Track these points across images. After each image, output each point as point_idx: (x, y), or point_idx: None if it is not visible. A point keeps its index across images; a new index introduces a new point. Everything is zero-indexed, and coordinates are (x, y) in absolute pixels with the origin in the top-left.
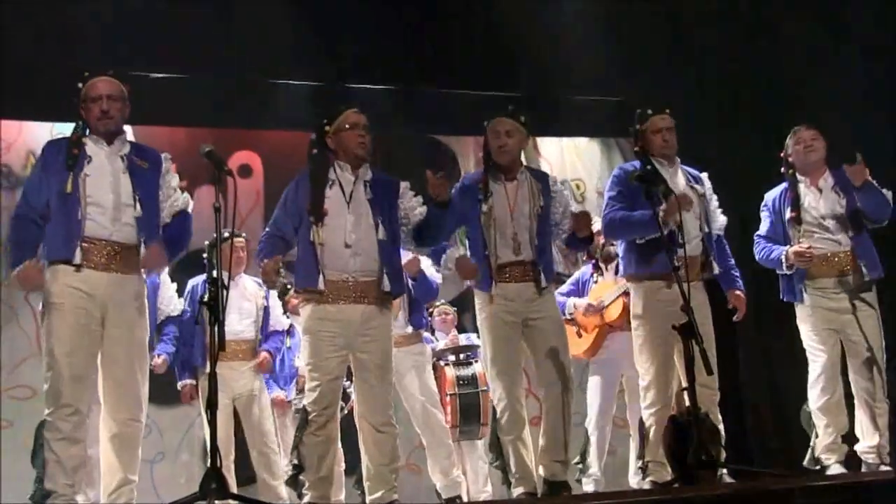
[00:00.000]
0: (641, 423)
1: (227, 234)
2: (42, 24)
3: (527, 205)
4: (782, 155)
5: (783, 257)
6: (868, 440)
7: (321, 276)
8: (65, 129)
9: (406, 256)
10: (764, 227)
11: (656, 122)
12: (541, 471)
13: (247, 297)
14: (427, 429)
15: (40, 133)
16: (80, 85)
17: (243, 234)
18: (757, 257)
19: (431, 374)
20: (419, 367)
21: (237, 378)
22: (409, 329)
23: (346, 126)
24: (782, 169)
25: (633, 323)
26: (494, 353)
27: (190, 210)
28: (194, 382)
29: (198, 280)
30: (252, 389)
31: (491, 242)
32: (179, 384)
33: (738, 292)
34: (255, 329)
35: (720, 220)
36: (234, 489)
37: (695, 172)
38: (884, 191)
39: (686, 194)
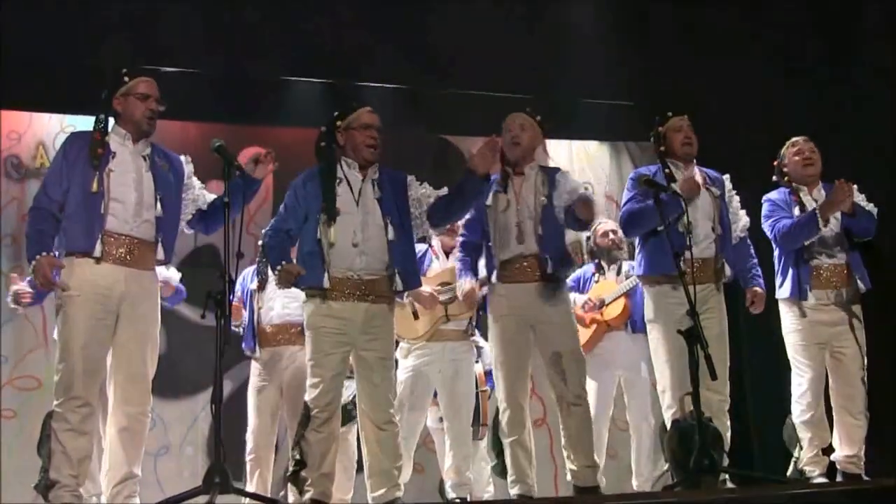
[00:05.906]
0: (663, 426)
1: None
2: (54, 16)
3: (531, 196)
4: (776, 163)
5: (817, 212)
6: (846, 450)
7: (326, 274)
8: (76, 121)
9: (468, 284)
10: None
11: (676, 121)
12: (568, 477)
13: None
14: (455, 424)
15: (50, 125)
16: (125, 79)
17: None
18: (780, 235)
19: (473, 373)
20: (467, 363)
21: (287, 363)
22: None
23: (360, 125)
24: (774, 177)
25: (648, 326)
26: (500, 353)
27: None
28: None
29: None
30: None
31: (495, 235)
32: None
33: (757, 289)
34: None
35: (743, 220)
36: (264, 487)
37: (714, 174)
38: (869, 206)
39: (693, 178)
